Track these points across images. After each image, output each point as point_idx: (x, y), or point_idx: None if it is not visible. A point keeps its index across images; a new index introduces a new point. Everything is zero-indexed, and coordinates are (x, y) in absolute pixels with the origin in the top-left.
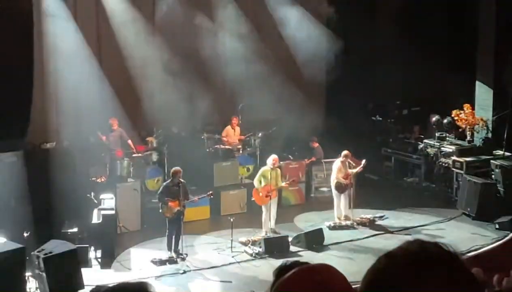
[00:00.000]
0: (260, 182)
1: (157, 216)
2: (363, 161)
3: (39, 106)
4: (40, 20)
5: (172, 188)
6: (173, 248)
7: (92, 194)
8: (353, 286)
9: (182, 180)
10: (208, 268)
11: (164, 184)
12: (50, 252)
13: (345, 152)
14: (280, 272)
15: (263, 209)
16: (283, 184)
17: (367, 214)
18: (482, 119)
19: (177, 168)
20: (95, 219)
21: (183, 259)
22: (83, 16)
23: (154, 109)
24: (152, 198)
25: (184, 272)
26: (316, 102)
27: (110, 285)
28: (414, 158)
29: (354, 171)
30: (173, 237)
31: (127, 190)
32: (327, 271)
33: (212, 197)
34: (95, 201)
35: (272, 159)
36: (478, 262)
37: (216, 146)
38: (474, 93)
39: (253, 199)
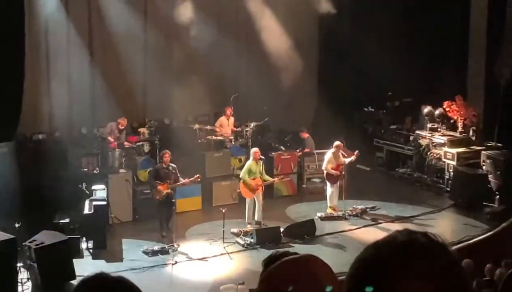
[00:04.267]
0: (247, 175)
1: (149, 207)
2: (356, 152)
3: (30, 96)
4: (30, 8)
5: (162, 170)
6: (165, 227)
7: (84, 184)
8: (344, 277)
9: (172, 164)
10: (199, 259)
11: (155, 166)
12: (42, 243)
13: (337, 143)
14: (268, 262)
15: (247, 202)
16: (271, 180)
17: (358, 204)
18: (473, 111)
19: (166, 150)
20: (87, 209)
21: (175, 250)
22: (75, 5)
23: (146, 100)
24: (144, 189)
25: (176, 262)
26: (308, 93)
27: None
28: (405, 149)
29: (347, 160)
30: (165, 219)
31: (119, 181)
32: (312, 262)
33: (199, 180)
34: (87, 192)
35: (253, 152)
36: (469, 253)
37: (208, 137)
38: (466, 84)
39: (238, 190)
